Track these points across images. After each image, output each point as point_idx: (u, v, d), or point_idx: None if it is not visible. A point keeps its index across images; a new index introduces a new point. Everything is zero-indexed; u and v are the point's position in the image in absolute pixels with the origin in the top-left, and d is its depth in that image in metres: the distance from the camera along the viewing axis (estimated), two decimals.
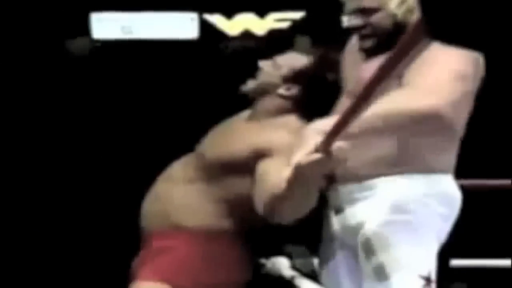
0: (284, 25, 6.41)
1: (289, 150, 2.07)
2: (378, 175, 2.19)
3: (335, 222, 2.28)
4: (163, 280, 2.34)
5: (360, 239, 2.19)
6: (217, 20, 6.45)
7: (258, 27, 6.42)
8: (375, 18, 2.21)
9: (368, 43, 2.24)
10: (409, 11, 2.15)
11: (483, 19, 0.81)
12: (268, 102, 2.40)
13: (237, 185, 2.31)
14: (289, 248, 3.32)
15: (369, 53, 2.23)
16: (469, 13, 0.81)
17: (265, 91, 2.40)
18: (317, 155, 1.81)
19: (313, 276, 3.14)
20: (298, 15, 6.41)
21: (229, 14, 6.46)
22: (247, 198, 2.26)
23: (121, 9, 6.48)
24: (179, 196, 2.40)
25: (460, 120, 2.17)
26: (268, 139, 2.26)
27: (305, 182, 1.94)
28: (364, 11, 2.22)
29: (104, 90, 6.48)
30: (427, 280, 2.11)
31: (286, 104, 2.39)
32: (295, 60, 2.40)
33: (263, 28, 6.43)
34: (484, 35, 0.81)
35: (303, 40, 6.28)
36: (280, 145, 2.21)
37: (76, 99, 6.44)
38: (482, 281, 4.70)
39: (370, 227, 2.16)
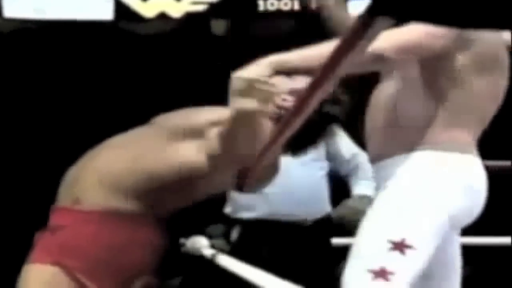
0: (201, 8, 6.39)
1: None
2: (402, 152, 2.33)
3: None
4: (53, 262, 2.23)
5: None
6: (132, 1, 6.38)
7: (174, 10, 6.38)
8: None
9: None
10: None
11: None
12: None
13: (174, 156, 2.28)
14: (208, 228, 3.34)
15: None
16: None
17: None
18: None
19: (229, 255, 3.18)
20: None
21: None
22: (169, 179, 2.25)
23: None
24: (107, 159, 2.32)
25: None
26: (229, 112, 2.25)
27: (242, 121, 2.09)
28: None
29: (15, 72, 6.35)
30: (396, 244, 2.15)
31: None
32: None
33: (179, 11, 6.39)
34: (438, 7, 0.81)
35: (219, 24, 6.27)
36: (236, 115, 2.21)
37: None
38: (486, 260, 4.83)
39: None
